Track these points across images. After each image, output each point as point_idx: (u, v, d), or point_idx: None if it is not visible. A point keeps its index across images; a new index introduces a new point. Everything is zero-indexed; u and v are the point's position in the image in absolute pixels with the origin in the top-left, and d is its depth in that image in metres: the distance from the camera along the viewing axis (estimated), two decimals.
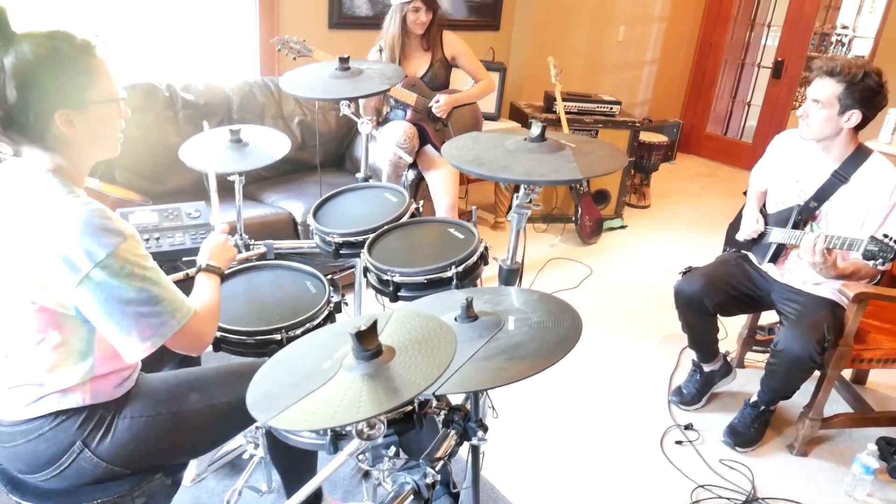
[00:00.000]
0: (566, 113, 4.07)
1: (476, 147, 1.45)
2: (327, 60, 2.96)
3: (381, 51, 3.19)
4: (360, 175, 2.23)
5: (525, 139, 1.45)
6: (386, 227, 1.86)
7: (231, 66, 3.56)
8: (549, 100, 4.20)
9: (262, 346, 1.72)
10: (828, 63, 2.12)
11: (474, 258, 1.68)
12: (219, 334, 1.72)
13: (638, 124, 4.28)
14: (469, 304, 1.29)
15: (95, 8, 3.06)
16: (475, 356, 1.22)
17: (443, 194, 3.18)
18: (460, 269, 1.63)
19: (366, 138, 2.19)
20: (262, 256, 2.21)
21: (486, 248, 1.76)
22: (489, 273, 1.83)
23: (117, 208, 2.62)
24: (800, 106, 2.22)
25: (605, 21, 5.06)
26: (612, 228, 4.36)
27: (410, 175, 3.33)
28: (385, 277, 1.66)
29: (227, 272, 1.97)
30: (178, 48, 3.37)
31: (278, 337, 1.71)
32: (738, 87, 6.08)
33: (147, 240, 2.03)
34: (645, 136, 4.58)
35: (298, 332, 1.74)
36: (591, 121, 4.17)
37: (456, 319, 1.30)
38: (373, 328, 0.85)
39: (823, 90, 2.12)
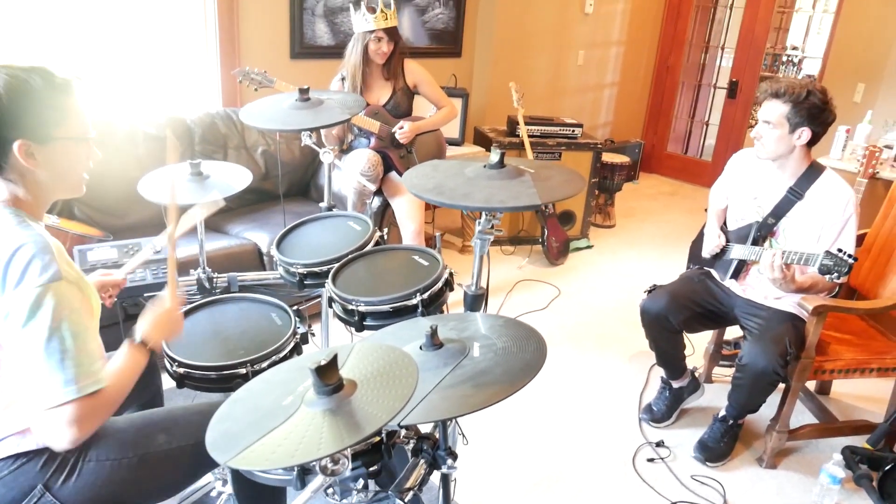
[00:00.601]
0: (529, 136, 4.12)
1: (436, 175, 1.47)
2: (289, 91, 2.98)
3: (343, 79, 3.21)
4: (323, 204, 2.22)
5: (484, 166, 1.46)
6: (350, 257, 1.85)
7: (193, 98, 3.54)
8: (512, 124, 4.25)
9: (227, 380, 1.70)
10: (772, 85, 2.20)
11: (439, 285, 1.68)
12: (182, 370, 1.70)
13: (600, 146, 4.35)
14: (433, 332, 1.29)
15: (55, 41, 3.02)
16: (441, 384, 1.21)
17: (409, 220, 3.18)
18: (425, 296, 1.63)
19: (328, 168, 2.19)
20: (226, 290, 2.19)
21: (451, 274, 1.76)
22: (456, 298, 1.83)
23: (76, 245, 2.58)
24: (755, 124, 2.30)
25: (565, 46, 5.17)
26: (578, 249, 4.41)
27: (376, 202, 3.34)
28: (350, 307, 1.65)
29: (190, 306, 1.95)
30: (138, 81, 3.34)
31: (243, 371, 1.69)
32: (695, 108, 6.23)
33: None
34: (607, 157, 4.65)
35: (264, 365, 1.72)
36: (553, 143, 4.22)
37: (421, 348, 1.30)
38: (333, 363, 0.85)
39: (772, 111, 2.19)
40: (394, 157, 3.21)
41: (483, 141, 4.33)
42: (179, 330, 1.50)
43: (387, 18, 2.98)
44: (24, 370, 1.19)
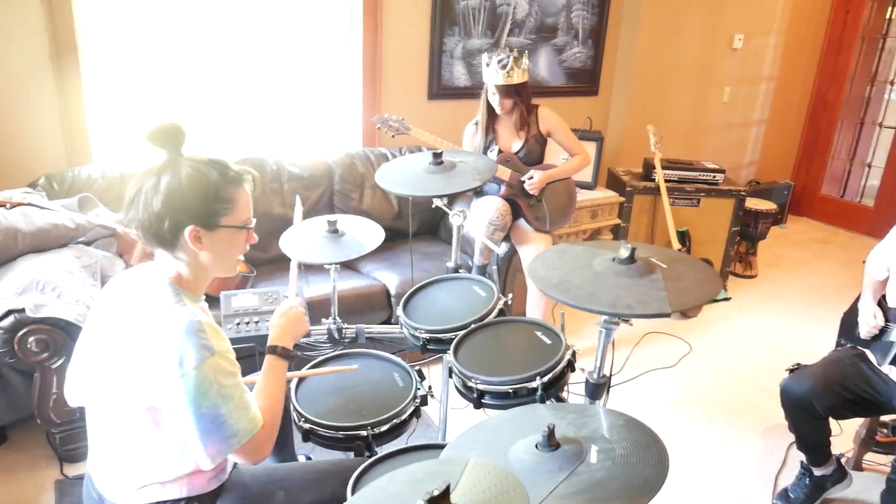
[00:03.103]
0: (666, 181, 3.97)
1: (562, 265, 1.44)
2: (424, 139, 3.06)
3: (476, 125, 3.25)
4: (450, 264, 2.26)
5: (613, 259, 1.42)
6: (473, 327, 1.86)
7: (336, 140, 3.73)
8: (649, 167, 4.11)
9: (348, 440, 1.76)
10: None
11: (560, 367, 1.65)
12: (307, 426, 1.78)
13: (743, 192, 4.10)
14: (551, 433, 1.26)
15: (214, 91, 3.31)
16: (554, 493, 1.19)
17: None
18: (545, 379, 1.60)
19: (456, 230, 2.22)
20: (354, 340, 2.28)
21: (573, 354, 1.72)
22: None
23: (223, 286, 2.78)
24: None
25: (709, 83, 4.94)
26: (714, 300, 4.16)
27: (503, 248, 3.34)
28: (469, 384, 1.66)
29: (320, 359, 2.05)
30: (287, 126, 3.58)
31: (364, 433, 1.74)
32: (856, 147, 5.71)
33: (247, 323, 2.14)
34: (751, 204, 4.37)
35: (384, 428, 1.77)
36: (692, 189, 4.04)
37: (537, 447, 1.28)
38: (445, 494, 0.85)
39: None
40: (523, 205, 3.21)
41: (616, 185, 4.21)
42: (306, 327, 1.64)
43: (509, 76, 2.95)
44: (186, 433, 1.30)
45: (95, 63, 3.00)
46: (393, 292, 3.11)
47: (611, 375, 1.58)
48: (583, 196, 3.85)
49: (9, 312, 2.27)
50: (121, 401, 1.35)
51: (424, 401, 1.90)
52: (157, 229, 1.33)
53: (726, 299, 4.21)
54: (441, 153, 2.12)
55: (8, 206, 2.51)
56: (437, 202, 2.16)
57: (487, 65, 2.99)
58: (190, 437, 1.30)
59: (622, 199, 4.06)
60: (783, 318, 4.01)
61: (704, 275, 1.38)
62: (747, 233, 4.42)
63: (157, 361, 1.27)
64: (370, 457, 1.72)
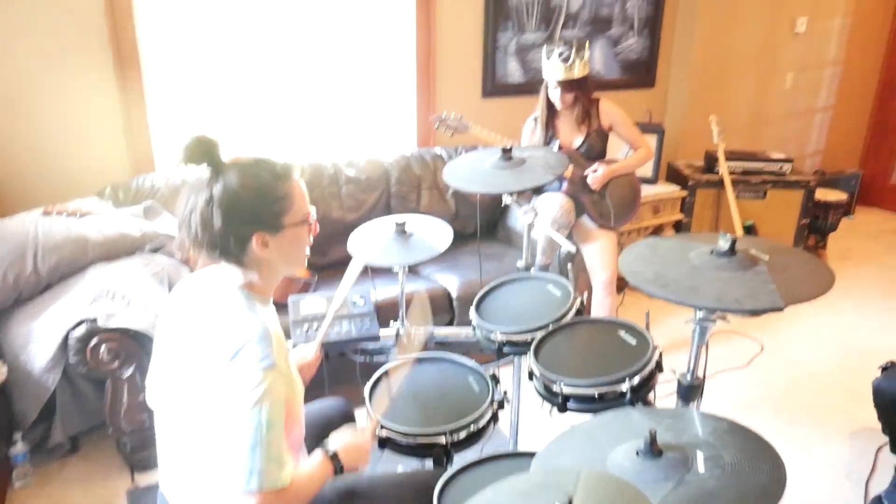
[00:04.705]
0: (730, 173, 3.82)
1: (655, 260, 1.36)
2: (483, 136, 3.00)
3: (535, 120, 3.18)
4: (521, 263, 2.19)
5: (711, 252, 1.33)
6: (552, 328, 1.79)
7: (391, 141, 3.70)
8: (711, 159, 3.97)
9: (427, 448, 1.71)
10: None
11: (649, 369, 1.56)
12: (384, 433, 1.73)
13: (812, 183, 3.92)
14: (653, 440, 1.19)
15: (270, 96, 3.32)
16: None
17: (600, 269, 3.06)
18: (635, 382, 1.52)
19: (526, 228, 2.16)
20: (425, 346, 2.22)
21: (660, 355, 1.64)
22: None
23: (286, 288, 2.77)
24: None
25: (770, 69, 4.75)
26: None
27: (571, 244, 3.24)
28: (553, 388, 1.59)
29: (386, 367, 1.98)
30: (343, 129, 3.57)
31: (443, 441, 1.69)
32: None
33: (316, 329, 2.11)
34: (821, 195, 4.17)
35: (462, 435, 1.71)
36: (758, 181, 3.89)
37: (637, 454, 1.21)
38: None
39: None
40: (586, 201, 3.11)
41: (678, 178, 4.08)
42: (365, 464, 1.49)
43: (570, 70, 2.85)
44: (216, 447, 1.21)
45: (156, 73, 3.04)
46: (455, 295, 3.05)
47: (704, 376, 1.49)
48: (644, 191, 3.71)
49: (81, 322, 2.29)
50: (192, 411, 1.30)
51: (501, 405, 1.84)
52: (223, 246, 1.28)
53: None
54: (511, 148, 2.06)
55: (78, 215, 2.55)
56: (506, 199, 2.09)
57: (548, 59, 2.91)
58: (229, 452, 1.20)
59: (685, 193, 3.93)
60: (859, 315, 3.81)
61: (812, 266, 1.28)
62: (816, 225, 4.23)
63: (221, 366, 1.22)
64: (449, 463, 1.68)
